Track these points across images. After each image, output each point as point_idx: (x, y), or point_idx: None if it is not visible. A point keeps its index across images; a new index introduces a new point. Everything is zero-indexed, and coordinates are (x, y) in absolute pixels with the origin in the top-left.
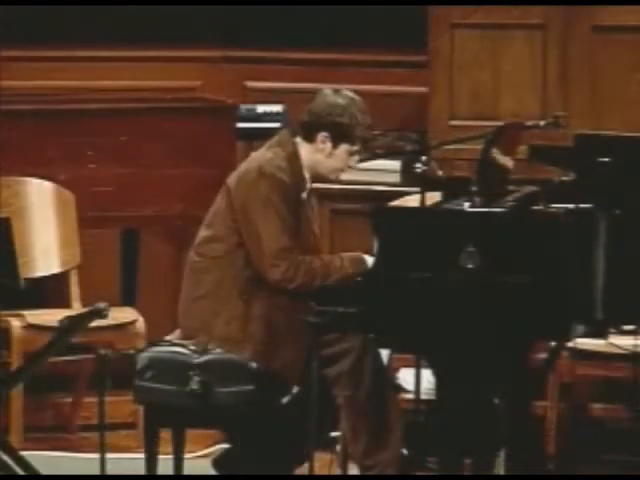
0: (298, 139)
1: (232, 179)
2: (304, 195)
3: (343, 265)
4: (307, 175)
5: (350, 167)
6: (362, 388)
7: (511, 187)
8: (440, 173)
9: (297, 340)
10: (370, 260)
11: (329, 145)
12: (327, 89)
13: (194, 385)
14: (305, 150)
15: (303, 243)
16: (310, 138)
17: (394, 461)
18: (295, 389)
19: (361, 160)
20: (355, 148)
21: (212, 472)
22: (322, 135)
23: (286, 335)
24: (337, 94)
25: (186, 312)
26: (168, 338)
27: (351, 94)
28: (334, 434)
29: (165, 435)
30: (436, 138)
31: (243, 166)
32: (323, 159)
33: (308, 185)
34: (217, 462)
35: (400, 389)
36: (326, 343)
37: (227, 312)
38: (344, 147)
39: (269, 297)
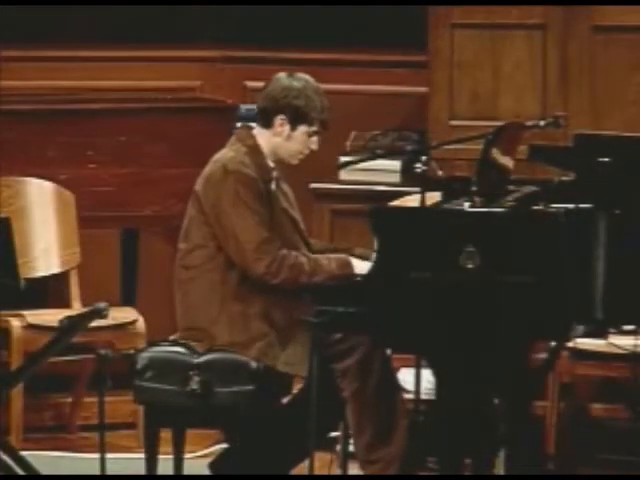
0: (256, 130)
1: (199, 184)
2: (273, 186)
3: (330, 265)
4: (272, 164)
5: (312, 150)
6: (370, 381)
7: (511, 187)
8: (440, 173)
9: (300, 336)
10: (357, 264)
11: (287, 128)
12: (281, 73)
13: (194, 385)
14: (264, 137)
15: (281, 236)
16: (268, 123)
17: (397, 457)
18: (295, 389)
19: (361, 160)
20: (313, 129)
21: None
22: (279, 118)
23: (288, 331)
24: (292, 77)
25: (185, 324)
26: (172, 338)
27: (306, 76)
28: (334, 434)
29: (165, 435)
30: (436, 138)
31: (207, 169)
32: (282, 142)
33: (275, 174)
34: (213, 465)
35: (401, 388)
36: (336, 340)
37: (225, 317)
38: (302, 129)
39: (265, 295)
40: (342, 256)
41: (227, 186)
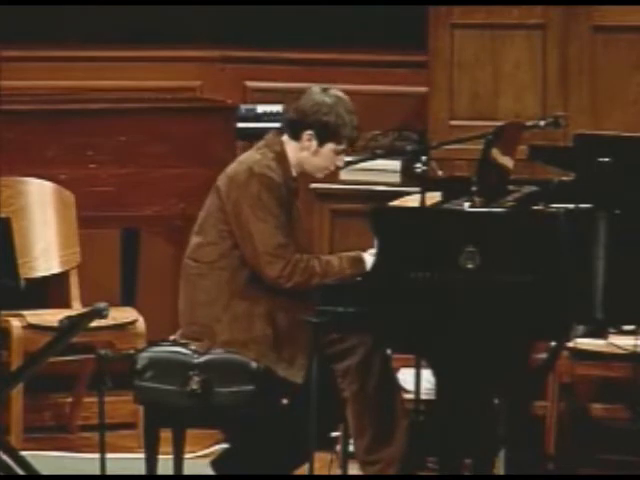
0: (285, 137)
1: (222, 181)
2: (296, 200)
3: (342, 265)
4: (295, 174)
5: (338, 166)
6: (370, 382)
7: (511, 187)
8: (440, 173)
9: (301, 339)
10: (369, 260)
11: (314, 143)
12: (315, 87)
13: (194, 385)
14: (291, 148)
15: (296, 241)
16: (296, 136)
17: (397, 458)
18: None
19: (361, 160)
20: (341, 147)
21: (211, 472)
22: (307, 133)
23: (290, 334)
24: (324, 93)
25: (187, 319)
26: (172, 338)
27: (339, 93)
28: (334, 434)
29: (165, 435)
30: (436, 138)
31: (232, 168)
32: (309, 157)
33: (296, 184)
34: (215, 463)
35: (401, 389)
36: (336, 340)
37: (229, 315)
38: (330, 146)
39: (271, 296)
40: (354, 253)
41: (251, 188)
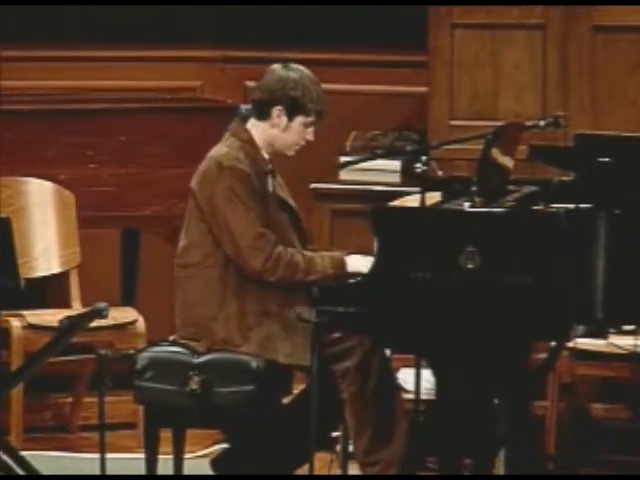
0: (251, 121)
1: (195, 181)
2: (269, 183)
3: (324, 264)
4: (266, 156)
5: (308, 140)
6: (369, 384)
7: (511, 187)
8: (440, 173)
9: (297, 329)
10: (351, 262)
11: (284, 119)
12: (276, 64)
13: (194, 385)
14: (260, 129)
15: (276, 231)
16: (264, 115)
17: (397, 459)
18: (296, 390)
19: (361, 160)
20: (310, 119)
21: (211, 472)
22: (277, 109)
23: (285, 325)
24: (287, 68)
25: (183, 321)
26: (172, 338)
27: (301, 67)
28: (334, 434)
29: (165, 435)
30: (436, 138)
31: (202, 166)
32: (279, 134)
33: (270, 166)
34: (215, 462)
35: (400, 389)
36: (335, 341)
37: (223, 313)
38: (299, 119)
39: (263, 290)
40: (336, 255)
41: (222, 182)
